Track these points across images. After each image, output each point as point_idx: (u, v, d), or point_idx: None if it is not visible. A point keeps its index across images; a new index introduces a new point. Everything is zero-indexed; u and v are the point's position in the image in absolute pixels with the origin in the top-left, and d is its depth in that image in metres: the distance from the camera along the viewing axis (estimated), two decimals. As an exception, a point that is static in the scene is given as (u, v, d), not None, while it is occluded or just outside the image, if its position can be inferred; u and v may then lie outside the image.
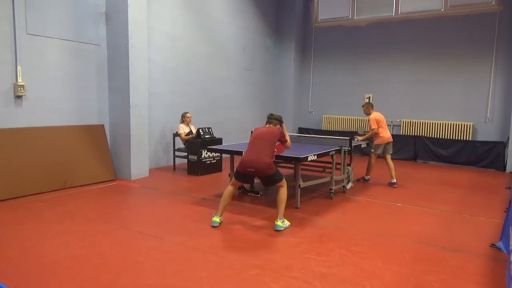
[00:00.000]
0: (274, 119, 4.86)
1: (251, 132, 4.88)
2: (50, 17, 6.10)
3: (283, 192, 4.50)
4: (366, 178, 7.29)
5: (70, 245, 3.82)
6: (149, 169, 7.40)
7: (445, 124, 9.82)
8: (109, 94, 7.04)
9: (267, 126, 4.83)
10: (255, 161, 4.42)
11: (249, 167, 4.45)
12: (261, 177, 4.55)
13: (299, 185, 5.30)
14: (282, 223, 4.41)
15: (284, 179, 4.56)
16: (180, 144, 8.00)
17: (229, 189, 4.60)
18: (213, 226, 4.44)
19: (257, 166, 4.41)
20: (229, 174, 6.01)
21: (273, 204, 5.51)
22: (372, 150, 7.15)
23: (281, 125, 4.89)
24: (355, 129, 9.57)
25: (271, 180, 4.53)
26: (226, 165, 7.61)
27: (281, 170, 7.39)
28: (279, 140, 4.73)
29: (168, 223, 4.60)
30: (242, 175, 4.58)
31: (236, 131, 10.10)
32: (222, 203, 4.56)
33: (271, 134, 4.61)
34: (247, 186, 6.49)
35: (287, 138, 4.88)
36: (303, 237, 4.18)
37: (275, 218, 4.46)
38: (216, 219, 4.49)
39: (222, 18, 9.62)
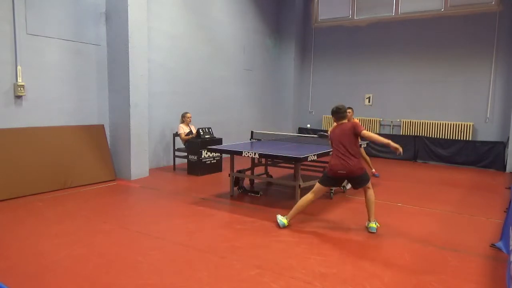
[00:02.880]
0: (342, 112, 4.51)
1: (328, 135, 4.62)
2: (50, 17, 6.10)
3: (371, 194, 4.48)
4: (377, 174, 7.61)
5: (70, 245, 3.82)
6: (149, 169, 7.40)
7: (445, 124, 9.82)
8: (109, 94, 7.04)
9: (339, 123, 4.54)
10: (345, 164, 4.32)
11: (340, 170, 4.35)
12: (352, 178, 4.44)
13: (299, 185, 5.30)
14: (375, 223, 4.46)
15: (370, 179, 4.53)
16: (180, 144, 7.99)
17: (308, 198, 4.49)
18: (281, 227, 4.43)
19: (348, 168, 4.32)
20: (229, 174, 6.01)
21: (273, 204, 5.52)
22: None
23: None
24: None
25: (361, 181, 4.44)
26: (226, 165, 7.60)
27: (281, 170, 7.48)
28: (355, 133, 4.37)
29: (168, 223, 4.60)
30: (334, 179, 4.47)
31: (236, 131, 10.10)
32: (297, 209, 4.50)
33: (346, 132, 4.39)
34: (247, 186, 6.49)
35: (361, 127, 4.40)
36: (303, 237, 4.18)
37: (367, 220, 4.49)
38: (284, 220, 4.47)
39: (222, 18, 9.63)
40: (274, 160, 6.79)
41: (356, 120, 7.40)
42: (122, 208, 5.26)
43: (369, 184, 4.50)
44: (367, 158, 7.62)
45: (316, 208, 5.32)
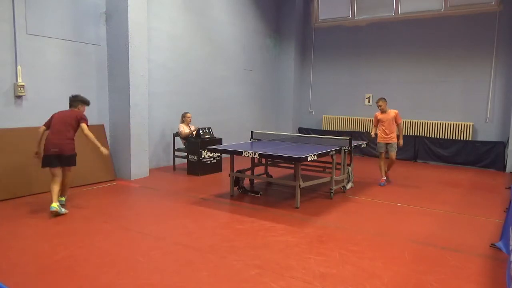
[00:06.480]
0: (77, 101, 5.16)
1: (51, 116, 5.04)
2: (50, 17, 6.10)
3: (70, 176, 5.08)
4: (382, 183, 6.95)
5: (70, 245, 3.82)
6: (149, 169, 7.40)
7: (445, 124, 9.82)
8: (109, 94, 7.04)
9: (70, 109, 5.13)
10: (59, 143, 4.82)
11: (53, 148, 4.81)
12: (64, 157, 4.88)
13: (299, 185, 5.29)
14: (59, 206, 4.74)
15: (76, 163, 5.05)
16: (180, 144, 7.99)
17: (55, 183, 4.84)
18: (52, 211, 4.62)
19: (60, 147, 4.83)
20: (229, 174, 6.01)
21: (273, 204, 5.52)
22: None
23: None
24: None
25: (69, 161, 4.94)
26: (226, 165, 7.61)
27: (281, 170, 7.48)
28: (77, 121, 5.02)
29: (168, 223, 4.60)
30: (49, 157, 4.84)
31: (236, 131, 10.10)
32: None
33: (71, 117, 4.99)
34: (247, 186, 6.49)
35: (86, 121, 5.09)
36: (303, 237, 4.18)
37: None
38: (54, 204, 4.69)
39: (222, 18, 9.62)
40: (274, 160, 6.80)
41: (396, 111, 7.24)
42: (122, 208, 5.26)
43: (71, 168, 5.02)
44: (392, 162, 7.04)
45: (316, 208, 5.32)
